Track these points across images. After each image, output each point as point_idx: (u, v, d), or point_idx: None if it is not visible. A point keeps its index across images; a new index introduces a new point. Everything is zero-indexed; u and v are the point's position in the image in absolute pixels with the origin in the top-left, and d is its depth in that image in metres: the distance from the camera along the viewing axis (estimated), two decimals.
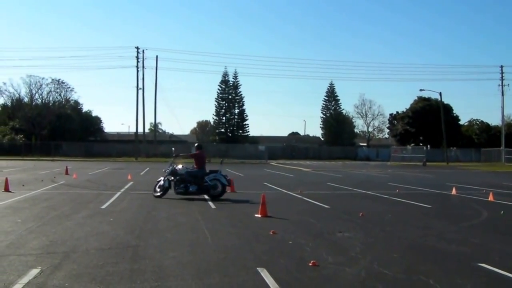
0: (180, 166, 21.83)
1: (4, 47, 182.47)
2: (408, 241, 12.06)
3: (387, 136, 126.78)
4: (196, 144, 25.54)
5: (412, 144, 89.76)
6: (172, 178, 21.19)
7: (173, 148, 27.38)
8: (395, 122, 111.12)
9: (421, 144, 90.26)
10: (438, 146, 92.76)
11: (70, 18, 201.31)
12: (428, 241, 12.14)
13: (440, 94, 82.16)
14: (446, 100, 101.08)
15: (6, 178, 23.85)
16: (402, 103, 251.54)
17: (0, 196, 20.41)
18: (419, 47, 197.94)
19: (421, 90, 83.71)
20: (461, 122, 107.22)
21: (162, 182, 21.20)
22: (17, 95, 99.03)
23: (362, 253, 10.42)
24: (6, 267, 8.75)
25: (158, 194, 20.93)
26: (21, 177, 31.87)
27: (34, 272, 8.42)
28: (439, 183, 33.36)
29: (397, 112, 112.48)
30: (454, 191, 24.98)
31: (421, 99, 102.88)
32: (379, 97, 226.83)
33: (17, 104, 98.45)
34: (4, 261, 9.18)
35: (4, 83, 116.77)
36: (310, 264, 9.18)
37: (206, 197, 20.78)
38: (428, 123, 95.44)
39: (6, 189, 22.25)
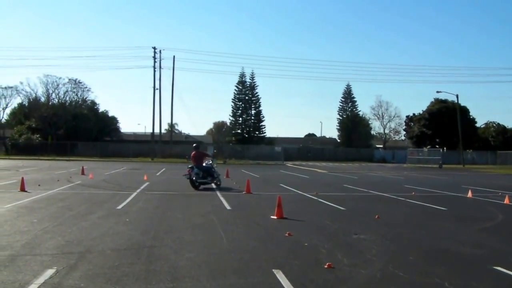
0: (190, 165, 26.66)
1: (22, 46, 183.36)
2: (424, 244, 12.03)
3: (403, 138, 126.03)
4: (194, 145, 28.83)
5: (429, 146, 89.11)
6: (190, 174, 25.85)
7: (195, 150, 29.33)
8: (412, 124, 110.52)
9: (437, 146, 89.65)
10: (454, 148, 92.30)
11: (88, 18, 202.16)
12: (444, 244, 12.10)
13: (457, 96, 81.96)
14: (462, 102, 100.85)
15: (22, 178, 23.99)
16: (418, 105, 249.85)
17: (16, 195, 20.55)
18: (437, 49, 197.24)
19: (438, 92, 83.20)
20: (477, 125, 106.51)
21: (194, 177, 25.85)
22: (34, 95, 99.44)
23: (377, 255, 10.42)
24: (22, 267, 8.81)
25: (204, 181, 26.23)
26: (37, 177, 32.03)
27: (50, 272, 8.47)
28: (455, 185, 33.20)
29: (414, 114, 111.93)
30: (470, 194, 24.86)
31: (438, 101, 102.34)
32: (396, 99, 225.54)
33: (34, 103, 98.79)
34: (20, 261, 9.25)
35: (21, 83, 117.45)
36: (326, 266, 9.19)
37: (222, 198, 20.93)
38: (445, 125, 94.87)
39: (22, 189, 22.35)
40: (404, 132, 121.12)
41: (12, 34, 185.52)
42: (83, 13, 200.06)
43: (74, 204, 18.37)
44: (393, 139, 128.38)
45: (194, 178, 25.67)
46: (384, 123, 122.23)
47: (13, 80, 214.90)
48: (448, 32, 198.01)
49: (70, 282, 7.94)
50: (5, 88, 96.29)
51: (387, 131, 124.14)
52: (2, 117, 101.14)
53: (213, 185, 26.66)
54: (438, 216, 17.51)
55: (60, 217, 14.88)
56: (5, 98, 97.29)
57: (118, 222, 14.28)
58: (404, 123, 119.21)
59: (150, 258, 9.73)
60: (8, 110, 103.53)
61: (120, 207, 17.75)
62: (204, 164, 26.75)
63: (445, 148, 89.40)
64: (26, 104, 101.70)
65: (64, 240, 11.40)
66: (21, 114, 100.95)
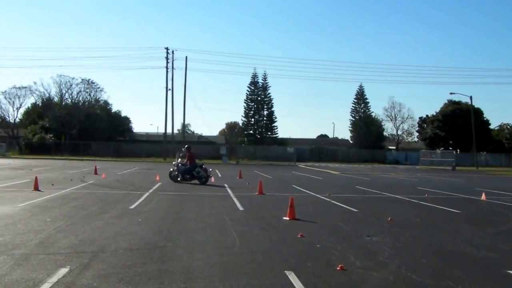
0: (179, 161, 30.55)
1: (35, 47, 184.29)
2: (437, 246, 11.98)
3: (416, 139, 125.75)
4: (186, 146, 32.36)
5: (442, 148, 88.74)
6: (177, 170, 30.01)
7: (182, 148, 34.54)
8: (425, 125, 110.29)
9: (450, 148, 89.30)
10: (467, 150, 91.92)
11: (101, 19, 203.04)
12: (457, 247, 12.06)
13: (471, 97, 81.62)
14: (476, 104, 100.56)
15: (36, 177, 24.11)
16: (432, 107, 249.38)
17: (29, 195, 20.64)
18: (451, 51, 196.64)
19: (451, 93, 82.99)
20: (491, 126, 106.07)
21: (173, 173, 30.36)
22: (47, 95, 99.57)
23: (390, 257, 10.39)
24: (36, 266, 8.85)
25: (172, 177, 30.28)
26: (50, 176, 32.17)
27: (63, 271, 8.51)
28: (468, 188, 33.06)
29: (427, 116, 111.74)
30: (483, 197, 24.74)
31: (451, 103, 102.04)
32: (409, 100, 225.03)
33: (47, 103, 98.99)
34: (34, 260, 9.28)
35: (35, 83, 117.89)
36: (338, 268, 9.17)
37: (234, 199, 20.98)
38: (458, 127, 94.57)
39: (36, 188, 22.45)
40: (417, 134, 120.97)
41: (25, 35, 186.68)
42: (96, 14, 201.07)
43: (87, 203, 18.44)
44: (406, 140, 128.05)
45: (188, 176, 29.67)
46: (397, 125, 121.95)
47: (27, 80, 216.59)
48: (462, 33, 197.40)
49: (83, 281, 7.97)
50: (19, 88, 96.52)
51: (400, 132, 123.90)
52: (16, 117, 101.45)
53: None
54: (452, 218, 17.44)
55: (73, 217, 14.94)
56: (19, 98, 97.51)
57: (131, 222, 14.33)
58: (417, 125, 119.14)
59: (163, 258, 9.76)
60: (22, 110, 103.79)
61: (132, 207, 17.81)
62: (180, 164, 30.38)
63: (458, 150, 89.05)
64: (40, 104, 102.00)
65: (77, 239, 11.44)
66: (34, 114, 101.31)
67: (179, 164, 30.16)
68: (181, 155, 31.90)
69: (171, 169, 31.06)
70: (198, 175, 29.57)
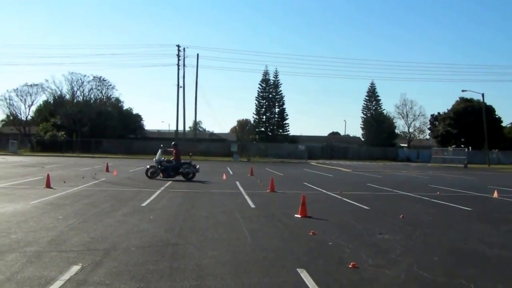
0: (163, 158, 30.51)
1: (47, 44, 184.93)
2: (449, 244, 11.94)
3: (428, 137, 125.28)
4: (173, 143, 32.13)
5: (454, 146, 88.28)
6: (160, 166, 29.93)
7: (161, 145, 34.20)
8: (436, 123, 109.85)
9: (462, 145, 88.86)
10: (479, 148, 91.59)
11: (112, 16, 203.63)
12: (469, 245, 12.01)
13: (483, 95, 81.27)
14: (488, 101, 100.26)
15: (48, 175, 24.18)
16: (443, 104, 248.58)
17: (41, 192, 20.71)
18: (462, 47, 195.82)
19: (463, 91, 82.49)
20: (503, 124, 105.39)
21: (152, 169, 30.09)
22: (59, 92, 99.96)
23: (402, 255, 10.37)
24: (48, 263, 8.89)
25: (149, 175, 29.83)
26: (62, 174, 32.29)
27: (75, 268, 8.54)
28: (480, 185, 32.93)
29: (439, 113, 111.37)
30: (495, 194, 24.66)
31: (463, 100, 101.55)
32: (421, 98, 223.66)
33: (59, 101, 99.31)
34: (46, 257, 9.32)
35: (47, 80, 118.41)
36: (350, 266, 9.17)
37: (246, 196, 20.99)
38: (470, 124, 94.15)
39: (48, 186, 22.56)
40: (429, 131, 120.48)
41: (37, 33, 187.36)
42: (108, 12, 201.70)
43: (99, 201, 18.49)
44: (418, 138, 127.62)
45: (172, 174, 29.98)
46: (409, 122, 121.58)
47: (39, 77, 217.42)
48: (474, 30, 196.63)
49: (95, 279, 7.99)
50: (31, 85, 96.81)
51: (411, 130, 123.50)
52: (28, 114, 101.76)
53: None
54: (464, 216, 17.37)
55: (85, 214, 14.99)
56: (30, 95, 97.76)
57: (143, 219, 14.36)
58: (428, 122, 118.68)
59: (175, 256, 9.77)
60: (33, 108, 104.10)
61: (144, 204, 17.84)
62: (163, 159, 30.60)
63: (470, 147, 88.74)
64: (51, 102, 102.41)
65: (89, 236, 11.48)
66: (46, 111, 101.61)
67: (163, 161, 30.28)
68: (162, 151, 31.29)
69: (148, 166, 31.01)
70: (184, 171, 29.84)
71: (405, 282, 8.40)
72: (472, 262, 10.04)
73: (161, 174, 29.91)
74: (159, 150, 30.83)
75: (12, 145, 77.49)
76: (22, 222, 13.23)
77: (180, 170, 29.88)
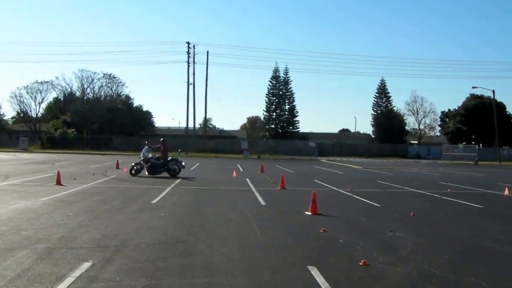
0: (150, 155, 30.29)
1: (57, 42, 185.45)
2: (459, 242, 11.90)
3: (438, 134, 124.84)
4: (161, 139, 31.73)
5: (464, 143, 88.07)
6: (147, 164, 29.65)
7: (146, 141, 33.49)
8: (447, 120, 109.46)
9: (473, 142, 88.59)
10: (490, 145, 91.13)
11: (122, 13, 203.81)
12: (480, 242, 11.96)
13: (493, 92, 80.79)
14: (499, 98, 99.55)
15: (58, 171, 24.23)
16: (454, 101, 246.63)
17: (52, 189, 20.78)
18: (473, 44, 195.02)
19: (473, 87, 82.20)
20: None
21: (138, 167, 29.71)
22: (69, 89, 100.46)
23: (412, 253, 10.34)
24: (59, 260, 8.91)
25: (134, 173, 29.37)
26: (72, 171, 32.37)
27: (86, 265, 8.57)
28: (491, 182, 32.83)
29: (449, 110, 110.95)
30: (506, 191, 24.54)
31: (473, 97, 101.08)
32: (431, 94, 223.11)
33: (69, 98, 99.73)
34: (57, 254, 9.35)
35: (57, 77, 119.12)
36: (361, 263, 9.15)
37: (256, 193, 20.99)
38: (481, 121, 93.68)
39: (58, 182, 22.63)
40: (439, 128, 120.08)
41: (48, 30, 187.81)
42: (118, 9, 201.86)
43: (109, 198, 18.54)
44: (428, 135, 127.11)
45: (160, 170, 29.74)
46: (419, 119, 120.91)
47: (49, 75, 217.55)
48: (484, 27, 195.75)
49: (105, 276, 8.01)
50: (41, 82, 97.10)
51: (422, 126, 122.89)
52: (38, 112, 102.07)
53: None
54: (474, 214, 17.31)
55: (96, 211, 15.02)
56: (41, 92, 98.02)
57: (153, 216, 14.38)
58: (439, 119, 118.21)
59: (185, 253, 9.78)
60: (44, 105, 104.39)
61: (154, 201, 17.87)
62: (150, 156, 30.39)
63: (481, 144, 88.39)
64: (62, 99, 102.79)
65: (99, 233, 11.50)
66: (56, 108, 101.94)
67: (151, 158, 30.11)
68: (149, 148, 30.85)
69: (133, 163, 30.50)
70: (171, 167, 29.89)
71: (416, 279, 8.37)
72: (483, 260, 10.01)
73: (146, 172, 29.63)
74: (145, 147, 30.50)
75: (23, 142, 77.74)
76: (32, 219, 13.27)
77: (167, 167, 29.88)
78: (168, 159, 30.37)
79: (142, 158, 29.92)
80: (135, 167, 29.63)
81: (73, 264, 8.64)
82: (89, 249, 9.81)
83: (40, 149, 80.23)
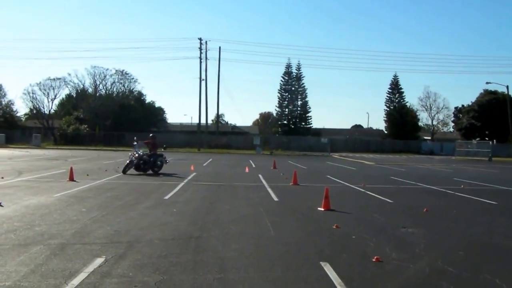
0: (141, 152, 28.80)
1: (69, 38, 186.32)
2: (473, 239, 11.84)
3: (451, 129, 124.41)
4: (151, 135, 30.54)
5: (478, 139, 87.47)
6: (140, 161, 28.18)
7: (135, 137, 32.10)
8: (460, 115, 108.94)
9: (486, 138, 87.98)
10: (504, 141, 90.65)
11: (134, 10, 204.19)
12: (494, 239, 11.91)
13: (507, 87, 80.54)
14: None
15: (71, 168, 24.32)
16: (467, 96, 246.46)
17: (65, 185, 20.86)
18: (487, 39, 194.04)
19: (487, 83, 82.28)
20: None
21: (131, 164, 28.09)
22: (81, 86, 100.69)
23: (426, 249, 10.29)
24: (72, 256, 8.94)
25: (126, 170, 27.87)
26: (85, 167, 32.54)
27: (99, 261, 8.60)
28: (505, 179, 32.65)
29: (463, 106, 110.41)
30: None
31: (487, 92, 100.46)
32: (444, 90, 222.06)
33: (82, 94, 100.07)
34: (70, 250, 9.39)
35: (69, 74, 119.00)
36: (374, 260, 9.12)
37: (269, 189, 21.00)
38: (494, 117, 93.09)
39: (71, 178, 22.75)
40: (453, 124, 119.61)
41: (60, 27, 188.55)
42: (130, 5, 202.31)
43: (122, 194, 18.57)
44: (441, 131, 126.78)
45: (146, 167, 28.37)
46: (432, 115, 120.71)
47: (61, 71, 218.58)
48: (498, 22, 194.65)
49: (119, 271, 8.03)
50: (54, 79, 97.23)
51: (435, 122, 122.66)
52: (51, 108, 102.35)
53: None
54: (489, 210, 17.20)
55: (108, 207, 15.06)
56: (53, 89, 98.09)
57: (166, 212, 14.39)
58: (452, 115, 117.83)
59: (198, 249, 9.78)
60: (56, 101, 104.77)
61: (167, 197, 17.89)
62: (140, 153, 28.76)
63: (494, 140, 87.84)
64: (74, 95, 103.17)
65: (112, 229, 11.53)
66: (69, 105, 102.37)
67: (144, 154, 28.67)
68: (138, 144, 29.80)
69: (128, 161, 28.59)
70: (158, 163, 29.03)
71: (429, 276, 8.33)
72: (497, 257, 9.95)
73: (134, 168, 28.18)
74: (137, 143, 29.68)
75: (36, 138, 78.09)
76: (46, 215, 13.32)
77: (158, 163, 28.94)
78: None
79: (137, 155, 28.52)
80: (130, 165, 28.18)
81: (86, 259, 8.67)
82: (102, 245, 9.84)
83: (53, 145, 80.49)
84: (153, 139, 29.66)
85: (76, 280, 7.52)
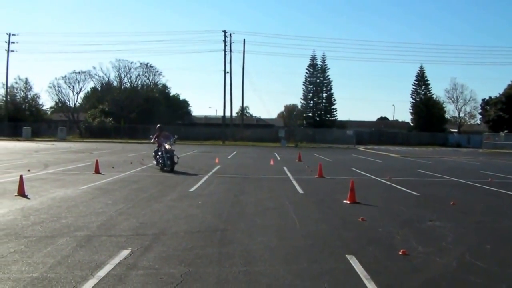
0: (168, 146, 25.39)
1: (94, 32, 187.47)
2: (502, 233, 11.68)
3: (479, 122, 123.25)
4: (158, 126, 27.24)
5: (506, 131, 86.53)
6: (168, 155, 25.17)
7: (175, 136, 28.35)
8: (488, 107, 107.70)
9: None
10: None
11: (159, 2, 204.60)
12: None
13: None
14: None
15: (97, 160, 24.50)
16: (495, 88, 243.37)
17: (91, 177, 21.01)
18: None
19: None
20: None
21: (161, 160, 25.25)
22: (106, 79, 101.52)
23: (453, 243, 10.18)
24: (98, 247, 8.99)
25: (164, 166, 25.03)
26: (110, 159, 32.77)
27: (125, 253, 8.64)
28: None
29: (490, 97, 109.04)
30: None
31: None
32: (471, 82, 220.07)
33: (107, 87, 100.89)
34: (96, 242, 9.43)
35: (94, 67, 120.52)
36: (400, 253, 9.04)
37: (294, 182, 21.00)
38: None
39: (97, 171, 22.96)
40: (480, 116, 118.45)
41: (85, 20, 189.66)
42: None
43: (147, 186, 18.64)
44: (468, 123, 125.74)
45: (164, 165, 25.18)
46: (459, 107, 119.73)
47: (86, 65, 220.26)
48: None
49: (144, 263, 8.04)
50: (79, 72, 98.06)
51: (462, 115, 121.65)
52: (76, 101, 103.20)
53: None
54: None
55: (134, 199, 15.13)
56: (78, 82, 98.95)
57: (191, 204, 14.41)
58: (479, 107, 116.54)
59: (223, 241, 9.77)
60: (81, 94, 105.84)
61: (192, 189, 17.91)
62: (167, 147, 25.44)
63: None
64: (99, 88, 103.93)
65: (138, 221, 11.57)
66: (94, 98, 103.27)
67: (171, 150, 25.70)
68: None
69: (157, 157, 26.07)
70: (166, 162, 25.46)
71: (456, 270, 8.24)
72: None
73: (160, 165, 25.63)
74: (166, 134, 26.85)
75: (61, 131, 78.79)
76: (72, 207, 13.41)
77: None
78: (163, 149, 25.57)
79: (170, 148, 25.80)
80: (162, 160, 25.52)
81: (112, 251, 8.71)
82: (128, 237, 9.88)
83: (78, 138, 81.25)
84: (160, 130, 26.67)
85: (102, 272, 7.54)
